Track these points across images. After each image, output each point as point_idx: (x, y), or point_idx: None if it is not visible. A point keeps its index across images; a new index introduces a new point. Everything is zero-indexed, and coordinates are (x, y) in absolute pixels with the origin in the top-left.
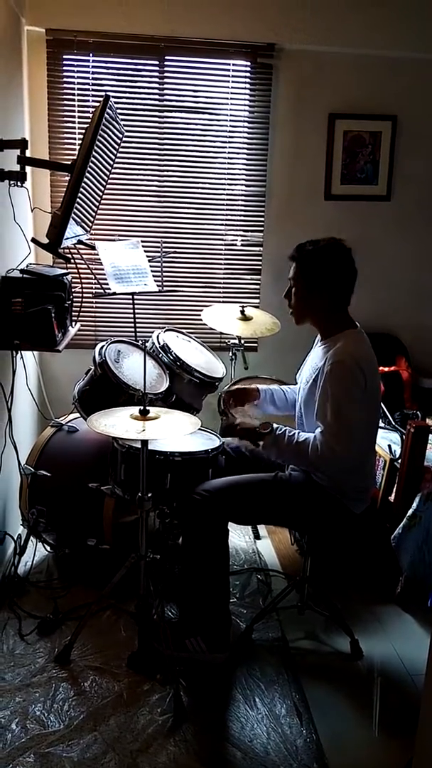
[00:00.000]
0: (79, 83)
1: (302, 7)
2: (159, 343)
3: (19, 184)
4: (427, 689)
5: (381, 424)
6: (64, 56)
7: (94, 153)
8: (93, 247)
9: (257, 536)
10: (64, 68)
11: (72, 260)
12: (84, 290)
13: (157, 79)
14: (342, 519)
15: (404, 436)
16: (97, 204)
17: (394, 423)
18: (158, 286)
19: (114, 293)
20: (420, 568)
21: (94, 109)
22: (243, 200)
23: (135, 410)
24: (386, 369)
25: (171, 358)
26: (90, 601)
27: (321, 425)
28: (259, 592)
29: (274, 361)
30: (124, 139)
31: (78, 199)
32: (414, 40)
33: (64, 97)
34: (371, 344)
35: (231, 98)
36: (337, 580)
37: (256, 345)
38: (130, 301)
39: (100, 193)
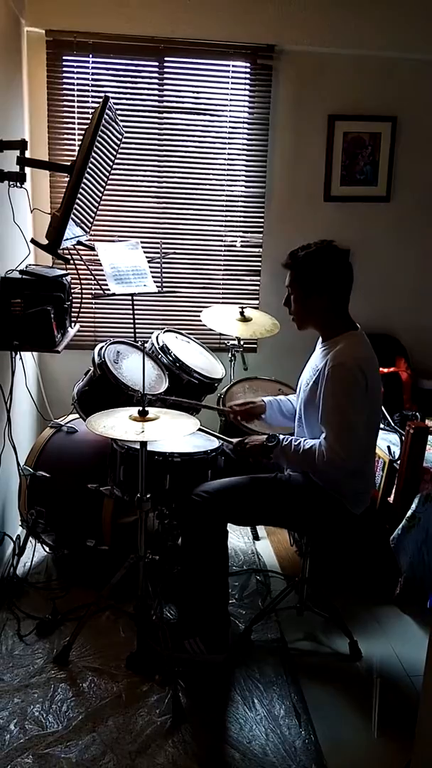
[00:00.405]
0: (78, 84)
1: (302, 9)
2: (158, 344)
3: (18, 185)
4: (425, 690)
5: (380, 426)
6: (64, 57)
7: (93, 154)
8: (92, 248)
9: (256, 537)
10: (64, 69)
11: (71, 261)
12: (83, 291)
13: (156, 81)
14: (341, 520)
15: (403, 438)
16: (96, 205)
17: (393, 424)
18: (157, 287)
19: (113, 294)
20: (419, 569)
21: (93, 110)
22: (242, 201)
23: (134, 411)
24: (386, 370)
25: (170, 359)
26: (89, 602)
27: (325, 430)
28: (258, 593)
29: (274, 362)
30: (124, 140)
31: (77, 200)
32: (414, 42)
33: (64, 98)
34: (371, 345)
35: (230, 99)
36: (336, 581)
37: (255, 346)
38: (130, 302)
39: (100, 194)
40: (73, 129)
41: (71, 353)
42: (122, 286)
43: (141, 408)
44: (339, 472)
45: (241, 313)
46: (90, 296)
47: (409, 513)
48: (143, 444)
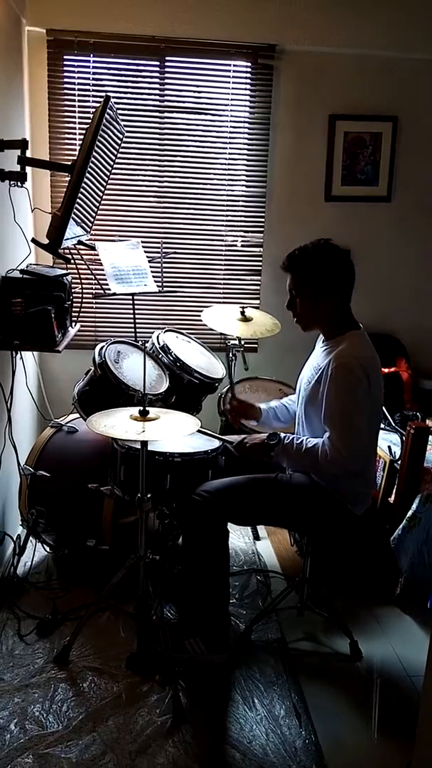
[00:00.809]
0: (79, 84)
1: (303, 9)
2: (159, 344)
3: (19, 184)
4: (426, 690)
5: (381, 426)
6: (65, 57)
7: (94, 154)
8: (93, 248)
9: (257, 537)
10: (65, 69)
11: (72, 261)
12: (84, 291)
13: (157, 80)
14: (342, 520)
15: (404, 438)
16: (97, 204)
17: (394, 424)
18: (158, 286)
19: (114, 294)
20: (419, 569)
21: (94, 110)
22: (243, 201)
23: (135, 411)
24: (386, 370)
25: (171, 358)
26: (89, 602)
27: (328, 430)
28: (259, 593)
29: (274, 362)
30: (125, 139)
31: (78, 200)
32: (415, 41)
33: (65, 97)
34: (372, 345)
35: (231, 99)
36: (336, 581)
37: (256, 346)
38: (130, 302)
39: (101, 194)
40: (74, 128)
41: (72, 353)
42: (123, 286)
43: (142, 408)
44: (341, 472)
45: (242, 312)
46: (91, 296)
47: (409, 513)
48: (144, 444)
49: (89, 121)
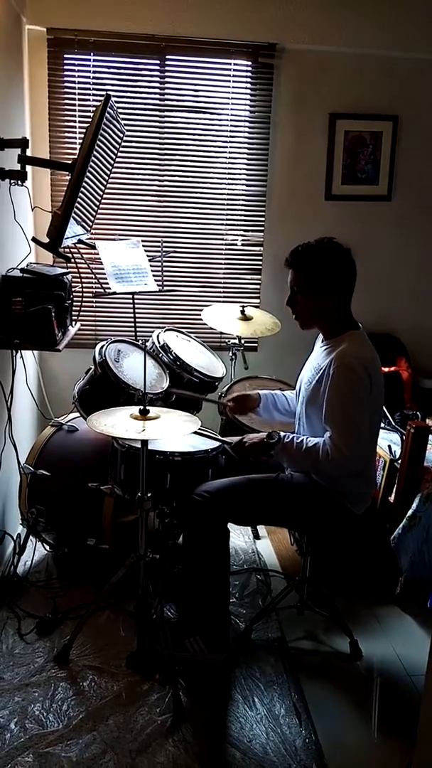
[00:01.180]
0: (79, 82)
1: (303, 7)
2: (159, 343)
3: (19, 183)
4: (427, 690)
5: (381, 425)
6: (65, 55)
7: (94, 152)
8: (93, 247)
9: (257, 536)
10: (65, 67)
11: (72, 260)
12: (84, 290)
13: (157, 79)
14: (343, 519)
15: (404, 437)
16: (97, 203)
17: (394, 423)
18: (158, 285)
19: (114, 293)
20: (419, 568)
21: (94, 109)
22: (243, 200)
23: (135, 410)
24: (386, 369)
25: (171, 357)
26: (89, 601)
27: (329, 429)
28: (259, 592)
29: (274, 361)
30: (125, 138)
31: (78, 199)
32: (415, 40)
33: (65, 96)
34: (372, 344)
35: (232, 98)
36: (336, 580)
37: (256, 345)
38: (131, 301)
39: (101, 193)
40: (74, 127)
41: (72, 352)
42: (123, 285)
43: (142, 407)
44: (342, 472)
45: (242, 311)
46: (91, 295)
47: (409, 512)
48: (144, 443)
49: (89, 119)
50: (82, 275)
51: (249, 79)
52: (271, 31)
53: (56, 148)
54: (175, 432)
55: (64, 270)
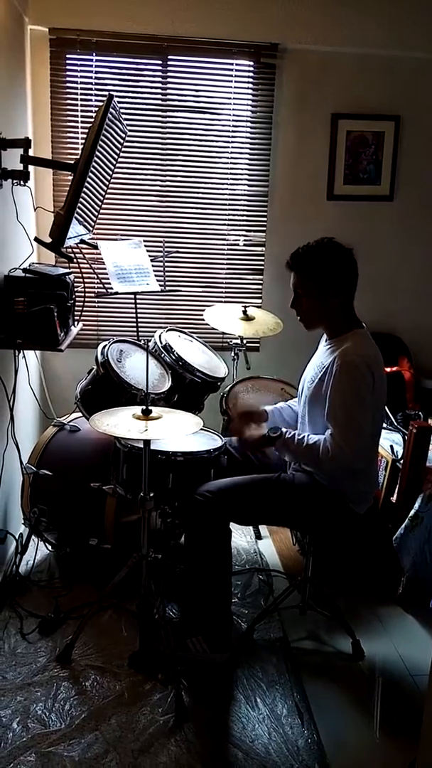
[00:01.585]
0: (82, 82)
1: (305, 7)
2: (161, 343)
3: (22, 183)
4: (430, 689)
5: (383, 425)
6: (67, 55)
7: (97, 152)
8: (95, 247)
9: (259, 536)
10: (67, 67)
11: (74, 259)
12: (86, 290)
13: (160, 79)
14: (345, 519)
15: (406, 437)
16: (99, 203)
17: (396, 423)
18: (160, 285)
19: (116, 293)
20: (422, 568)
21: (97, 109)
22: (245, 200)
23: (137, 410)
24: (388, 369)
25: (173, 357)
26: (91, 601)
27: (330, 426)
28: (261, 592)
29: (276, 361)
30: (127, 138)
31: (81, 199)
32: (417, 40)
33: (67, 96)
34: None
35: (234, 98)
36: (338, 580)
37: (258, 345)
38: (133, 301)
39: (103, 193)
40: (77, 127)
41: (74, 352)
42: (125, 285)
43: (144, 407)
44: (343, 469)
45: (244, 311)
46: (93, 295)
47: (411, 512)
48: (146, 443)
49: (91, 119)
50: (84, 275)
51: (251, 79)
52: (273, 31)
53: (58, 148)
54: (178, 432)
55: (67, 270)
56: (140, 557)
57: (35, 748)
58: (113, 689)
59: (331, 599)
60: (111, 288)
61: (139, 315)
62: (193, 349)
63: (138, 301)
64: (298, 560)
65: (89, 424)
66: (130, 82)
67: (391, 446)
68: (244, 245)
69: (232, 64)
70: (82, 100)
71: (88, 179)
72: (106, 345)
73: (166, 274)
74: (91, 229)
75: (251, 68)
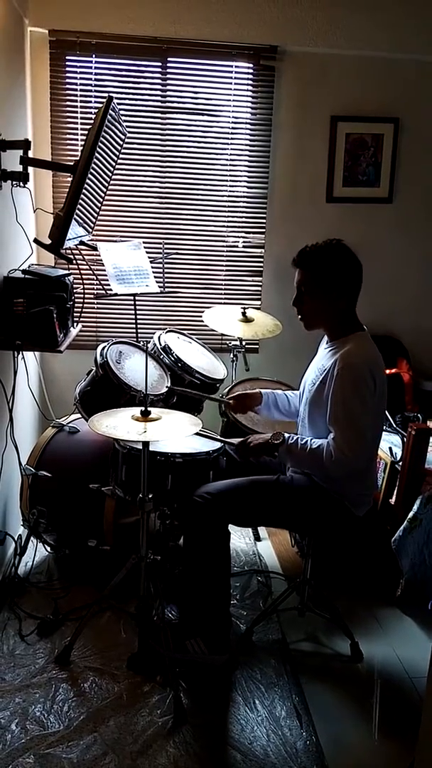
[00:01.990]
0: (81, 84)
1: (305, 10)
2: (160, 344)
3: (21, 184)
4: (428, 691)
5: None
6: (67, 57)
7: (96, 154)
8: (95, 248)
9: (257, 538)
10: (67, 69)
11: (74, 261)
12: (86, 291)
13: (159, 81)
14: (344, 521)
15: (405, 439)
16: (99, 205)
17: (395, 425)
18: (160, 287)
19: (115, 294)
20: (420, 570)
21: (96, 111)
22: (245, 202)
23: (136, 411)
24: (387, 371)
25: (172, 359)
26: (90, 602)
27: (333, 430)
28: (260, 593)
29: (276, 363)
30: (127, 140)
31: (80, 200)
32: (416, 43)
33: (67, 98)
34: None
35: (233, 100)
36: (337, 582)
37: (257, 347)
38: (132, 302)
39: (103, 194)
40: (76, 129)
41: (73, 353)
42: (124, 287)
43: (143, 408)
44: (346, 473)
45: (243, 313)
46: (92, 296)
47: (410, 514)
48: (145, 444)
49: (91, 121)
50: (83, 277)
51: (250, 82)
52: (273, 33)
53: (58, 150)
54: (177, 433)
55: (66, 271)
56: (139, 559)
57: (34, 750)
58: (112, 691)
59: (329, 601)
60: (110, 289)
61: (138, 316)
62: (192, 350)
63: (137, 302)
64: (296, 562)
65: (88, 426)
66: (130, 84)
67: (390, 448)
68: (244, 247)
69: (231, 66)
70: (81, 101)
71: (88, 181)
72: (105, 346)
73: (166, 275)
74: (90, 230)
75: (251, 70)
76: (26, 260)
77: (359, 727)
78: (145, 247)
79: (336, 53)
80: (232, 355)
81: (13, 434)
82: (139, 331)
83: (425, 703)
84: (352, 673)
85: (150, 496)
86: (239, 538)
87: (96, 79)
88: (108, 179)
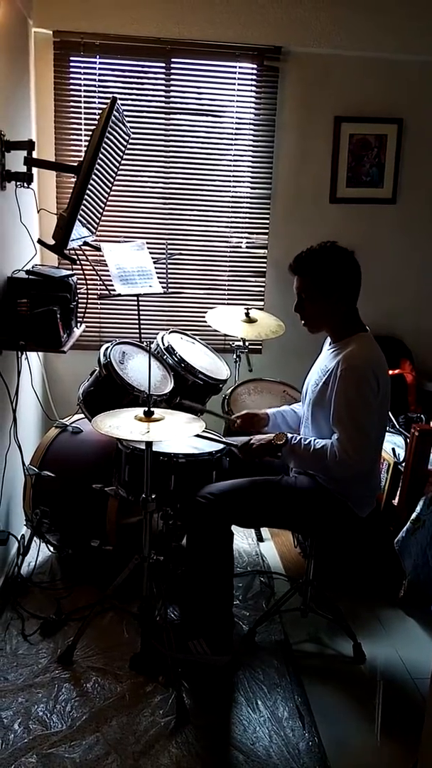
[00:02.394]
0: (85, 85)
1: (309, 10)
2: (163, 345)
3: (25, 185)
4: (431, 693)
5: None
6: (71, 58)
7: (100, 155)
8: (98, 249)
9: (260, 538)
10: (71, 70)
11: (77, 261)
12: (89, 291)
13: (163, 82)
14: (347, 522)
15: (408, 440)
16: (102, 206)
17: (398, 426)
18: (163, 287)
19: (119, 295)
20: (423, 571)
21: (101, 111)
22: (248, 202)
23: (139, 411)
24: (390, 372)
25: (175, 359)
26: (93, 602)
27: (337, 431)
28: (262, 594)
29: (278, 364)
30: (130, 141)
31: (84, 201)
32: (420, 43)
33: (71, 98)
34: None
35: (237, 101)
36: (340, 583)
37: (260, 347)
38: (135, 303)
39: (106, 195)
40: (80, 130)
41: (77, 353)
42: (128, 287)
43: (146, 408)
44: (350, 473)
45: (246, 314)
46: (96, 297)
47: (413, 515)
48: (148, 444)
49: (95, 122)
50: (87, 277)
51: (254, 82)
52: (277, 34)
53: (62, 151)
54: (180, 434)
55: (70, 272)
56: (142, 559)
57: (36, 750)
58: (114, 691)
59: (332, 602)
60: (113, 290)
61: (141, 317)
62: (196, 351)
63: (140, 303)
64: (299, 563)
65: (91, 426)
66: (134, 84)
67: (393, 449)
68: (247, 248)
69: (235, 66)
70: (85, 102)
71: (92, 182)
72: (108, 347)
73: (169, 276)
74: (94, 231)
75: (254, 71)
76: (30, 260)
77: (362, 729)
78: (148, 248)
79: (340, 54)
80: (235, 356)
81: (17, 434)
82: (142, 331)
83: (428, 704)
84: (354, 674)
85: (153, 496)
86: (242, 539)
87: (100, 80)
88: (112, 180)
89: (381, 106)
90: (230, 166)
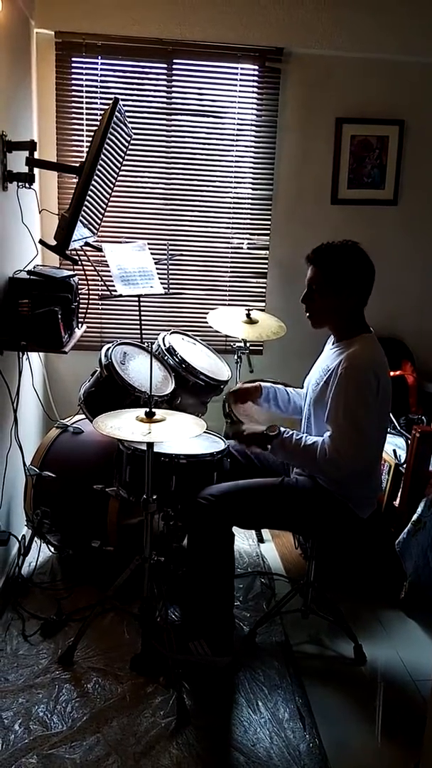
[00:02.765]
0: (87, 86)
1: (310, 11)
2: (164, 346)
3: (27, 185)
4: None
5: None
6: (73, 59)
7: (102, 155)
8: (100, 249)
9: (261, 540)
10: (73, 71)
11: (79, 262)
12: (90, 292)
13: (164, 82)
14: (348, 524)
15: (409, 441)
16: (104, 206)
17: (399, 428)
18: (164, 288)
19: (120, 295)
20: (424, 573)
21: (102, 112)
22: (249, 203)
23: (140, 412)
24: (392, 373)
25: (176, 360)
26: (94, 603)
27: (330, 429)
28: (263, 595)
29: (280, 365)
30: (132, 141)
31: (86, 202)
32: (422, 45)
33: (73, 99)
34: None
35: (238, 102)
36: (341, 584)
37: (261, 348)
38: (136, 304)
39: (108, 196)
40: (82, 130)
41: (78, 354)
42: (129, 288)
43: (147, 409)
44: (340, 472)
45: (248, 315)
46: (97, 297)
47: (414, 517)
48: (149, 445)
49: (97, 122)
50: (88, 278)
51: (256, 83)
52: (278, 35)
53: (64, 151)
54: (181, 435)
55: (71, 272)
56: (143, 560)
57: (36, 750)
58: (115, 692)
59: (333, 603)
60: (115, 290)
61: (142, 318)
62: (197, 351)
63: (142, 303)
64: (300, 564)
65: (92, 426)
66: (136, 85)
67: (394, 450)
68: (248, 249)
69: (237, 68)
70: (87, 103)
71: (93, 182)
72: (109, 347)
73: (170, 276)
74: (95, 231)
75: (256, 72)
76: (31, 261)
77: (362, 730)
78: (149, 249)
79: (341, 55)
80: (236, 357)
81: (18, 434)
82: (143, 332)
83: (430, 706)
84: (355, 676)
85: (154, 497)
86: (243, 540)
87: (101, 81)
88: (113, 181)
89: (382, 107)
90: (232, 167)
